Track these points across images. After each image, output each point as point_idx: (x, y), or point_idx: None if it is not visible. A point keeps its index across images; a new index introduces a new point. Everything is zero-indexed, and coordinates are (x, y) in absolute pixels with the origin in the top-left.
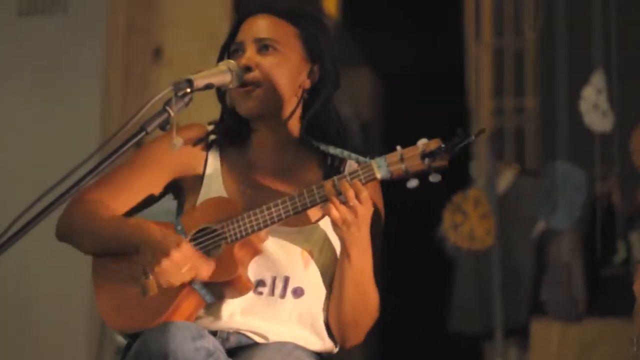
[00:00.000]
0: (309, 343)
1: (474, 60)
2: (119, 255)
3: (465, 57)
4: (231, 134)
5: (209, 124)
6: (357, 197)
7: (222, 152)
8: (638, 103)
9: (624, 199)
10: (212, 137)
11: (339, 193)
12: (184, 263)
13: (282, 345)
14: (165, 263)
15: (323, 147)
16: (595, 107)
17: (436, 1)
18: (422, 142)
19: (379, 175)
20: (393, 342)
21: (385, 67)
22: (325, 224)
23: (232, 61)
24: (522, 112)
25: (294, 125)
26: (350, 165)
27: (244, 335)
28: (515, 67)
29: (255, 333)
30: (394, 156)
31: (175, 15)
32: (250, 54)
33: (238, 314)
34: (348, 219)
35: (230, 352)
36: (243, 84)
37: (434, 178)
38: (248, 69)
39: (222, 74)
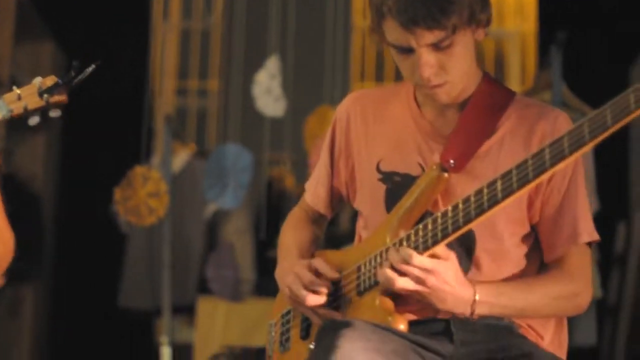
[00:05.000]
0: None
1: (160, 40)
2: None
3: (151, 37)
4: None
5: None
6: None
7: None
8: (311, 90)
9: (297, 183)
10: None
11: None
12: None
13: None
14: None
15: None
16: (268, 91)
17: None
18: (38, 79)
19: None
20: (62, 316)
21: (70, 42)
22: None
23: None
24: (206, 94)
25: None
26: None
27: None
28: (201, 49)
29: None
30: (11, 96)
31: None
32: None
33: None
34: None
35: None
36: None
37: (54, 113)
38: None
39: None
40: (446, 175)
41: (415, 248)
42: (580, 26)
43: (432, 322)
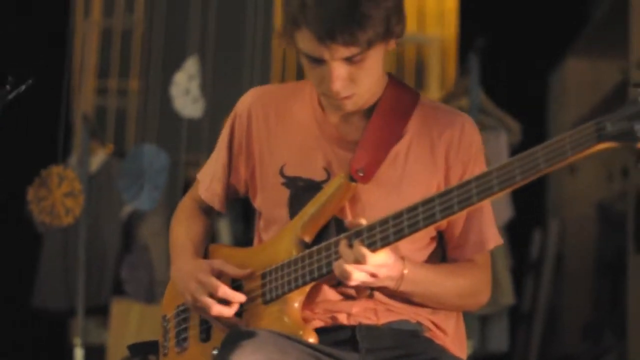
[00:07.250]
0: None
1: (81, 38)
2: None
3: (71, 35)
4: None
5: None
6: None
7: None
8: (230, 91)
9: None
10: None
11: None
12: None
13: None
14: None
15: None
16: (186, 92)
17: None
18: None
19: None
20: None
21: None
22: None
23: None
24: (126, 94)
25: None
26: None
27: None
28: (122, 47)
29: None
30: None
31: None
32: None
33: None
34: None
35: None
36: None
37: None
38: None
39: None
40: (354, 184)
41: (369, 246)
42: (499, 33)
43: (337, 330)
